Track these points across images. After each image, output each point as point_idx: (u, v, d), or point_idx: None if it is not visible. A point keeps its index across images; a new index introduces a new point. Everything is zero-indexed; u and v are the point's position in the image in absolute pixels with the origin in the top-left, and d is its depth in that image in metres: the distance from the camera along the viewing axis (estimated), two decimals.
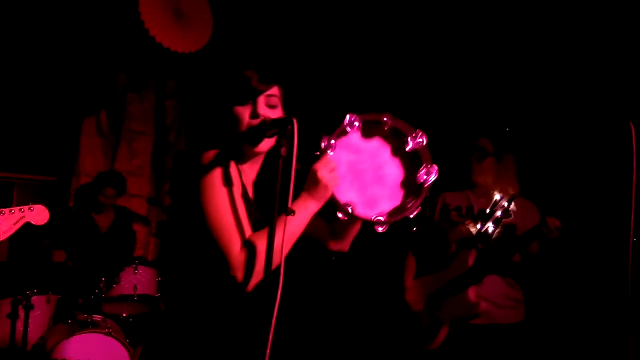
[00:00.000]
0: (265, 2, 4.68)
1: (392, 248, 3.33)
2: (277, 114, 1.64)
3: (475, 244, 2.68)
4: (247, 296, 1.55)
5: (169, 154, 5.42)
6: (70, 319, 3.50)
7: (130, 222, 4.60)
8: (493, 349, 2.68)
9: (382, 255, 3.87)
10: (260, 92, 1.61)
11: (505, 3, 3.56)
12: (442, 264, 2.83)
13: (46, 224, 2.16)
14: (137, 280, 3.94)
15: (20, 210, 2.12)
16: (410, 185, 1.65)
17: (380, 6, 4.15)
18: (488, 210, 2.63)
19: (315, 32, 4.45)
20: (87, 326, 3.39)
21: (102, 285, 3.87)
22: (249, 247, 1.51)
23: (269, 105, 1.63)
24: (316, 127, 1.57)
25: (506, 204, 2.59)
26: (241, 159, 1.69)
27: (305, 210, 1.55)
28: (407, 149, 1.64)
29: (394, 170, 1.67)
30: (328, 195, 1.56)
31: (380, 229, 1.58)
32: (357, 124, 1.60)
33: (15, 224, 2.11)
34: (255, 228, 1.59)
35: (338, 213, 1.61)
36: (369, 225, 1.61)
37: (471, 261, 2.68)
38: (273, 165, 1.69)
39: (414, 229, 3.05)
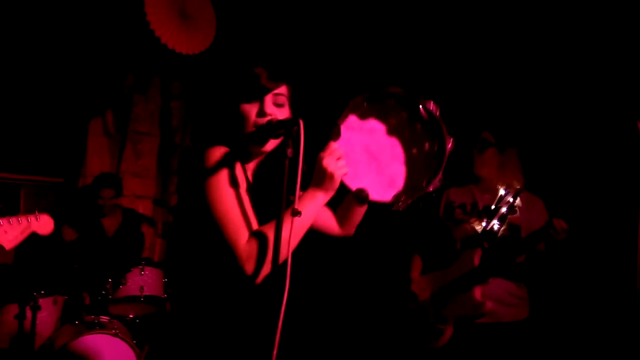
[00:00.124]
0: (267, 2, 4.68)
1: (399, 241, 3.32)
2: (284, 112, 1.64)
3: (481, 243, 2.66)
4: (254, 295, 1.55)
5: (175, 155, 5.42)
6: (77, 320, 3.52)
7: (138, 225, 4.60)
8: (498, 347, 2.67)
9: (388, 249, 3.87)
10: (268, 90, 1.60)
11: None
12: (447, 262, 2.82)
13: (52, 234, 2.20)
14: (144, 281, 3.95)
15: (27, 219, 2.14)
16: (427, 158, 1.62)
17: (386, 6, 4.15)
18: (493, 207, 2.59)
19: (316, 32, 4.45)
20: (94, 327, 3.41)
21: (108, 286, 3.88)
22: (258, 236, 1.49)
23: (276, 104, 1.63)
24: (322, 127, 1.57)
25: (511, 199, 2.55)
26: (246, 157, 1.68)
27: (313, 202, 1.53)
28: (422, 118, 1.61)
29: (409, 145, 1.63)
30: (336, 185, 1.53)
31: (400, 208, 1.55)
32: (364, 104, 1.57)
33: (21, 233, 2.13)
34: (260, 223, 1.58)
35: (353, 201, 1.57)
36: (387, 207, 1.57)
37: (477, 260, 2.66)
38: (274, 162, 1.67)
39: (420, 205, 3.03)
